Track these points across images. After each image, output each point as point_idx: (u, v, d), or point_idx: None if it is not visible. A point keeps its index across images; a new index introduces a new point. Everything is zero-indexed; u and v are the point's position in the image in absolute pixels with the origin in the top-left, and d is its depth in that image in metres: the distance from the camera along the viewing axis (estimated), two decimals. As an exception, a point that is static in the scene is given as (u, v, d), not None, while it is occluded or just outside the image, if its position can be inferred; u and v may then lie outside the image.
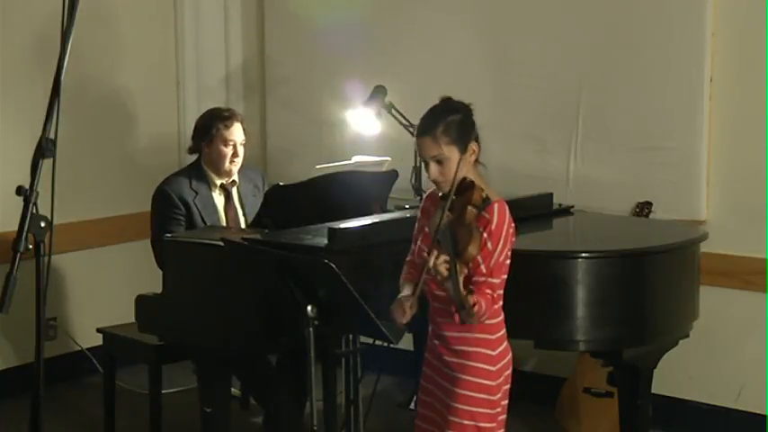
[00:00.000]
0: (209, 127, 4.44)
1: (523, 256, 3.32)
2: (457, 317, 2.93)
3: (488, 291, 2.98)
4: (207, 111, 4.60)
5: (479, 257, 2.95)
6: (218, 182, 4.49)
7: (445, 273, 2.83)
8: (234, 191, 4.53)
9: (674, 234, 3.98)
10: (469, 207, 2.93)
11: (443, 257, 2.85)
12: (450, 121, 3.04)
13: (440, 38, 5.20)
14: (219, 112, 4.51)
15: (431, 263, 2.86)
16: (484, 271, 2.97)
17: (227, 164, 4.44)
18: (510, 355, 3.14)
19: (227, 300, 3.72)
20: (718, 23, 4.48)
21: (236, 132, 4.45)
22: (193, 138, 4.52)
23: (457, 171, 2.98)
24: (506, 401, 3.14)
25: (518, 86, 4.99)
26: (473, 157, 3.07)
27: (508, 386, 3.14)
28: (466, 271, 2.90)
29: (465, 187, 2.98)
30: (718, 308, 4.45)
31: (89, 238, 5.45)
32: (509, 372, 3.14)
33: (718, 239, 4.31)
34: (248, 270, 3.51)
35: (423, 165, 3.14)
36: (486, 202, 2.97)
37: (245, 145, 4.49)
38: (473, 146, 3.05)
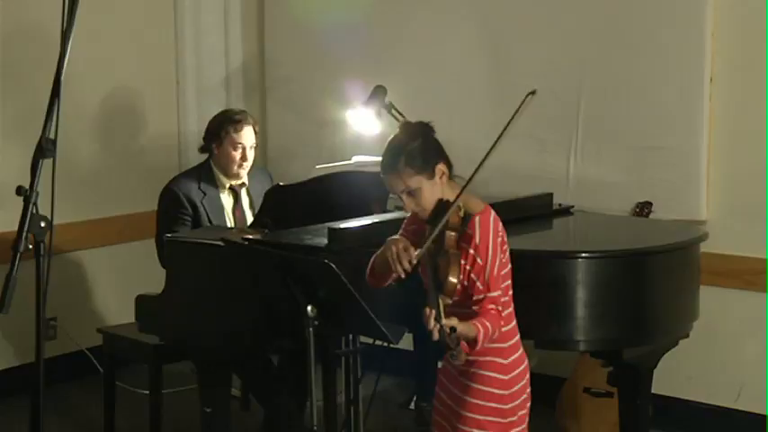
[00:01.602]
0: (219, 129, 4.44)
1: (523, 256, 3.31)
2: (464, 347, 2.81)
3: (491, 306, 2.89)
4: (220, 112, 4.60)
5: (473, 275, 2.89)
6: (227, 183, 4.49)
7: (437, 336, 2.71)
8: (243, 192, 4.53)
9: (674, 234, 3.98)
10: (448, 232, 2.86)
11: (433, 315, 2.71)
12: (409, 151, 2.93)
13: (440, 38, 5.20)
14: (231, 114, 4.50)
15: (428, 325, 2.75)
16: (480, 287, 2.90)
17: (235, 167, 4.45)
18: (525, 363, 3.05)
19: (227, 300, 3.72)
20: (718, 23, 4.48)
21: (247, 136, 4.44)
22: (204, 138, 4.53)
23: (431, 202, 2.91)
24: (524, 412, 3.04)
25: (518, 86, 4.96)
26: (444, 178, 2.97)
27: (525, 396, 3.04)
28: (449, 301, 2.81)
29: (440, 210, 2.89)
30: (718, 308, 4.45)
31: (89, 238, 5.45)
32: (524, 381, 3.04)
33: (718, 239, 4.31)
34: (248, 270, 3.51)
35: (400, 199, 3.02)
36: (467, 219, 2.90)
37: (255, 148, 4.49)
38: (441, 167, 2.96)
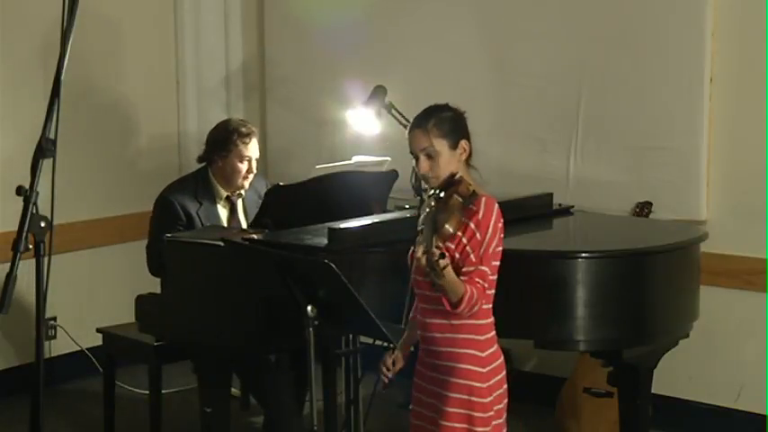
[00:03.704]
0: (228, 141, 4.35)
1: (523, 256, 3.32)
2: (447, 303, 2.90)
3: (479, 280, 2.95)
4: (225, 122, 4.50)
5: (468, 247, 2.94)
6: (224, 194, 4.44)
7: (424, 262, 2.80)
8: (239, 202, 4.49)
9: (674, 234, 3.98)
10: (455, 196, 2.93)
11: (422, 249, 2.81)
12: (442, 116, 3.07)
13: (440, 38, 5.20)
14: (239, 127, 4.40)
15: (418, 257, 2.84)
16: (473, 260, 2.95)
17: (240, 180, 4.39)
18: (501, 359, 3.09)
19: (227, 300, 3.72)
20: (718, 23, 4.48)
21: (254, 148, 4.40)
22: (207, 148, 4.43)
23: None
24: (501, 406, 3.08)
25: (518, 87, 4.99)
26: (464, 156, 3.07)
27: (501, 390, 3.08)
28: (441, 245, 2.85)
29: (452, 182, 2.98)
30: (718, 308, 4.45)
31: (89, 238, 5.45)
32: (501, 376, 3.08)
33: (718, 239, 4.31)
34: (248, 270, 3.51)
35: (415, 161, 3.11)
36: (473, 196, 2.97)
37: (258, 160, 4.45)
38: (464, 144, 3.07)
